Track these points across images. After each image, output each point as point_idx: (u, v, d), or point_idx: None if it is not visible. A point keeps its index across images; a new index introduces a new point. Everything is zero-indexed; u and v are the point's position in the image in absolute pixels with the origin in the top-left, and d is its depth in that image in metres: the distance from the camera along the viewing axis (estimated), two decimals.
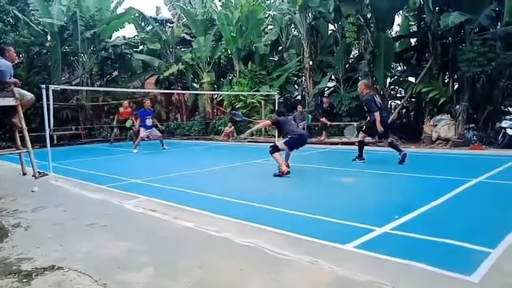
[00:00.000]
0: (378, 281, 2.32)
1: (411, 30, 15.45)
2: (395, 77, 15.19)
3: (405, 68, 15.48)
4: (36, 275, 2.56)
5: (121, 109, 14.73)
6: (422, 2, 12.20)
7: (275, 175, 6.36)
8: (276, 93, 14.29)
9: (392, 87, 15.70)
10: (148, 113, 11.92)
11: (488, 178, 5.78)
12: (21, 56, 15.57)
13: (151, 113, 12.21)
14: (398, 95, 16.11)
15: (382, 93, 13.21)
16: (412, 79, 13.62)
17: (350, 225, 3.52)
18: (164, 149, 11.91)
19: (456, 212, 4.00)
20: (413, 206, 4.06)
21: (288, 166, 6.43)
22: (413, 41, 14.98)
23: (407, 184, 5.78)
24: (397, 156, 7.26)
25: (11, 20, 15.24)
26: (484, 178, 5.74)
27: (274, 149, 6.55)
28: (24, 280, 2.49)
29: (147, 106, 12.05)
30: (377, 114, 7.16)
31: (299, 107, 13.74)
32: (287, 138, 6.62)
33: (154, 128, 12.06)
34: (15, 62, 6.88)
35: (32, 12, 15.92)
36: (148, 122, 11.77)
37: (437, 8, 11.60)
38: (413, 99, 13.91)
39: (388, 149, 10.34)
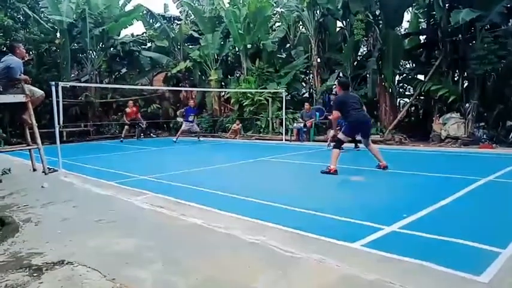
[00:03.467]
0: (385, 280, 2.31)
1: (420, 28, 15.30)
2: (404, 75, 15.08)
3: (414, 65, 15.34)
4: (46, 270, 2.59)
5: (128, 109, 15.34)
6: None
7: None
8: (283, 90, 14.27)
9: (401, 85, 15.58)
10: (193, 110, 14.30)
11: (498, 177, 5.71)
12: (31, 53, 15.70)
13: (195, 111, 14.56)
14: (407, 92, 16.00)
15: (390, 91, 13.11)
16: (421, 77, 13.51)
17: (358, 224, 3.51)
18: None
19: (465, 212, 3.96)
20: (422, 205, 4.03)
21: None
22: (422, 38, 14.84)
23: (416, 183, 5.73)
24: (404, 155, 7.20)
25: (21, 18, 15.37)
26: (493, 177, 5.67)
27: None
28: (35, 274, 2.52)
29: (192, 104, 14.54)
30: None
31: (306, 105, 13.69)
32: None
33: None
34: (25, 59, 6.96)
35: (42, 9, 16.09)
36: (191, 118, 14.02)
37: (447, 5, 11.46)
38: (422, 97, 13.79)
39: (395, 147, 10.29)
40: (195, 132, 14.61)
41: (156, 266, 2.63)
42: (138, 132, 15.67)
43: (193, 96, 17.51)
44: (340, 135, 6.50)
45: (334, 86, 15.54)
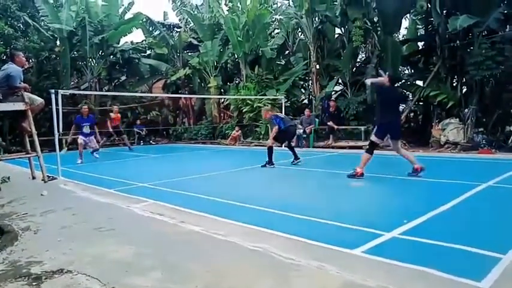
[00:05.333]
0: (386, 286, 2.30)
1: (419, 34, 15.39)
2: (403, 81, 15.11)
3: (413, 71, 15.39)
4: (45, 279, 2.58)
5: (112, 115, 13.99)
6: (429, 6, 12.15)
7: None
8: (282, 97, 14.30)
9: (399, 90, 15.58)
10: (85, 120, 10.71)
11: (497, 183, 5.71)
12: (31, 61, 15.77)
13: (91, 120, 10.93)
14: None
15: None
16: (419, 83, 13.55)
17: (358, 230, 3.50)
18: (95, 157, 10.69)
19: (465, 217, 3.95)
20: (422, 210, 4.02)
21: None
22: (420, 44, 14.91)
23: (416, 189, 5.73)
24: (404, 161, 7.18)
25: (21, 26, 15.50)
26: (493, 183, 5.67)
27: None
28: (34, 283, 2.51)
29: (84, 112, 10.80)
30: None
31: (306, 111, 13.72)
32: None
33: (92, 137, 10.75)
34: (25, 67, 6.98)
35: (42, 18, 16.20)
36: (86, 129, 10.56)
37: (444, 11, 11.54)
38: (421, 103, 13.82)
39: (395, 153, 10.29)
40: (95, 150, 10.72)
41: (155, 273, 2.62)
42: (137, 140, 15.51)
43: (91, 108, 12.03)
44: (373, 138, 6.28)
45: (334, 92, 15.60)
